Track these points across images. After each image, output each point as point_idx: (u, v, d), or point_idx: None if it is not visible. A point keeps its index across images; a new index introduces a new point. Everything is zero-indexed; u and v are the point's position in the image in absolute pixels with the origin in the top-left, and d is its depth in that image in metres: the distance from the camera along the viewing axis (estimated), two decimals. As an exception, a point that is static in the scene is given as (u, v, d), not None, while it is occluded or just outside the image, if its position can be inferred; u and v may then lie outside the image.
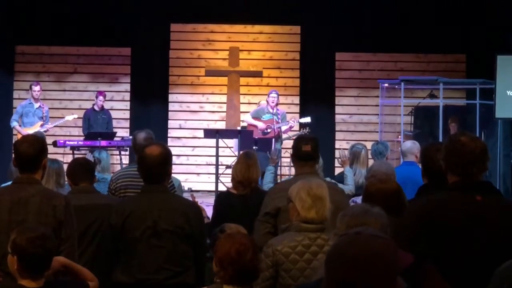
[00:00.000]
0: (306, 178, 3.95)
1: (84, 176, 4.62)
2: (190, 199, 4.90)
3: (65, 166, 5.03)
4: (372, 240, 1.81)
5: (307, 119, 10.99)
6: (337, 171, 10.21)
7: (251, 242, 3.12)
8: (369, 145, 8.19)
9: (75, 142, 10.96)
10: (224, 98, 12.54)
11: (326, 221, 3.68)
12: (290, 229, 3.68)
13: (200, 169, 12.47)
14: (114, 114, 11.97)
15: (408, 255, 2.75)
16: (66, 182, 5.13)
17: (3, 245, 3.49)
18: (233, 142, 10.66)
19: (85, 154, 10.40)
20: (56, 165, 5.22)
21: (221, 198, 5.32)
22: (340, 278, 1.77)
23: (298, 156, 4.46)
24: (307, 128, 10.92)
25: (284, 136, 11.03)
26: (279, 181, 8.50)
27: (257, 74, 12.57)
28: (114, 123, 11.85)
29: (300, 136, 4.96)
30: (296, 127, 11.53)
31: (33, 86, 11.26)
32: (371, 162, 7.02)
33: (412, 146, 6.40)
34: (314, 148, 4.43)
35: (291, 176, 5.99)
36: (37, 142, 3.74)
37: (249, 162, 5.17)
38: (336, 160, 11.39)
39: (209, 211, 5.50)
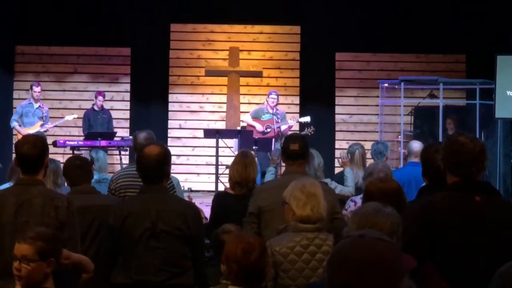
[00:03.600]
0: (294, 177, 3.98)
1: (83, 177, 4.61)
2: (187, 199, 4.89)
3: (64, 166, 5.00)
4: (375, 243, 1.80)
5: (307, 118, 10.98)
6: (337, 171, 10.21)
7: (259, 244, 3.12)
8: (369, 145, 8.20)
9: (75, 142, 10.96)
10: (224, 98, 12.54)
11: (322, 220, 3.69)
12: (288, 229, 3.68)
13: (200, 169, 12.46)
14: (114, 114, 11.97)
15: (412, 259, 2.74)
16: (65, 182, 5.12)
17: (9, 248, 3.50)
18: (233, 142, 10.65)
19: (82, 153, 10.39)
20: (53, 165, 5.20)
21: (219, 198, 5.29)
22: (342, 280, 1.75)
23: (286, 155, 4.48)
24: (311, 127, 10.81)
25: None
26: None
27: (257, 74, 12.57)
28: (114, 123, 11.84)
29: (289, 135, 4.97)
30: (296, 127, 11.53)
31: (34, 87, 11.25)
32: (370, 162, 6.99)
33: (419, 147, 6.46)
34: (302, 147, 4.44)
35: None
36: (39, 143, 3.74)
37: (246, 161, 5.13)
38: (336, 160, 11.48)
39: (208, 211, 5.48)
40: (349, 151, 6.79)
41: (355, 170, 6.63)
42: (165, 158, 3.97)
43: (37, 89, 11.23)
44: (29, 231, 3.23)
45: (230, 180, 5.22)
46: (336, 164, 11.32)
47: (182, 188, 6.62)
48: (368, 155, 7.28)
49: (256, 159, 5.84)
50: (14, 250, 3.16)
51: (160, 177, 3.96)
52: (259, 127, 10.84)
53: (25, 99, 11.71)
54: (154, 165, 3.92)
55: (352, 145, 7.04)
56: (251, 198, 4.45)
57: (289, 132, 11.10)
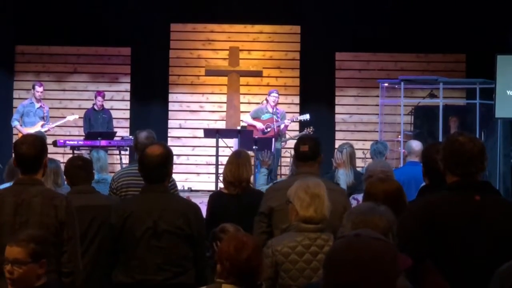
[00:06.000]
0: (303, 177, 3.98)
1: (84, 178, 4.62)
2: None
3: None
4: (371, 242, 1.81)
5: (306, 116, 11.00)
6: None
7: (253, 243, 3.13)
8: (369, 144, 8.20)
9: (75, 142, 10.97)
10: (224, 98, 12.54)
11: (325, 221, 3.69)
12: (290, 229, 3.68)
13: (200, 169, 12.47)
14: (114, 114, 11.97)
15: (407, 258, 2.74)
16: (65, 182, 5.12)
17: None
18: (233, 142, 10.66)
19: (82, 153, 10.39)
20: (53, 165, 5.20)
21: (214, 198, 5.26)
22: (339, 280, 1.76)
23: (297, 156, 4.53)
24: (311, 127, 10.87)
25: (286, 136, 11.06)
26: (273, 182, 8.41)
27: (257, 74, 12.57)
28: (114, 123, 11.85)
29: (301, 137, 4.99)
30: (296, 126, 11.53)
31: (36, 87, 11.26)
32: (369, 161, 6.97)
33: (419, 146, 6.44)
34: (312, 148, 4.45)
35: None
36: (38, 142, 3.74)
37: (239, 161, 5.10)
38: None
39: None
40: (338, 150, 6.72)
41: (341, 170, 6.53)
42: (167, 158, 3.98)
43: (39, 89, 11.25)
44: (21, 234, 3.23)
45: (223, 180, 5.21)
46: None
47: (182, 188, 6.63)
48: (368, 155, 7.28)
49: (255, 159, 5.83)
50: (5, 253, 3.17)
51: (162, 177, 3.96)
52: (259, 125, 10.84)
53: (25, 99, 11.71)
54: (156, 165, 3.92)
55: (341, 145, 6.95)
56: (263, 197, 4.47)
57: (287, 131, 11.14)
